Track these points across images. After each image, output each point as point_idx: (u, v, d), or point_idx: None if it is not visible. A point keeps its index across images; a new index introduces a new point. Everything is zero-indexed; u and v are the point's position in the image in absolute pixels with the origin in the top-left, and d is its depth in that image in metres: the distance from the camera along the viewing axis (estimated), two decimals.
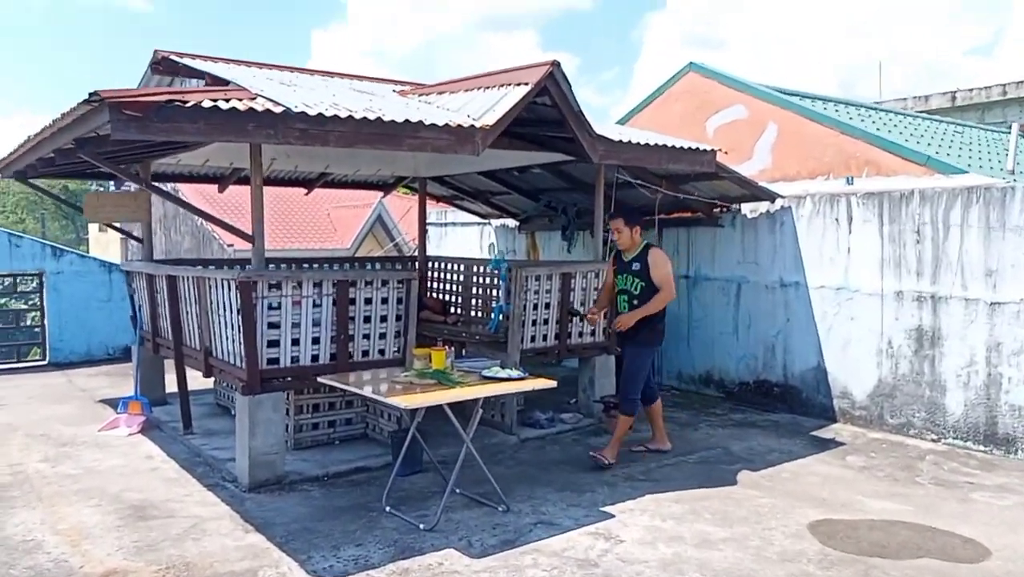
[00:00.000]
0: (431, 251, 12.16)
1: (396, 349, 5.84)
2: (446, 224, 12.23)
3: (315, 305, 5.40)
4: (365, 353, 5.68)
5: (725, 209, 8.00)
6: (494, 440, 6.30)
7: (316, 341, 5.44)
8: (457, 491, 4.96)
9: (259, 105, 4.23)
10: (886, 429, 6.71)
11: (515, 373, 4.78)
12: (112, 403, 7.71)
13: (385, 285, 5.70)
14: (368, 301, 5.63)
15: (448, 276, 9.17)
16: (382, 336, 5.75)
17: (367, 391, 4.41)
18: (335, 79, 7.10)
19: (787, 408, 7.50)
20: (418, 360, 5.11)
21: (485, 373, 4.77)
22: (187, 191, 23.21)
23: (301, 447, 6.03)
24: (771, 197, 7.36)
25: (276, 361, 5.29)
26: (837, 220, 7.02)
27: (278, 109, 4.27)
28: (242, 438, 5.23)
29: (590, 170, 7.89)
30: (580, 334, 6.93)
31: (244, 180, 9.21)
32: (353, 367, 5.57)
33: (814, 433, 6.78)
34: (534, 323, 6.59)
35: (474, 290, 8.82)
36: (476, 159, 7.90)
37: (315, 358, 5.45)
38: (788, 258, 7.44)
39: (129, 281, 7.70)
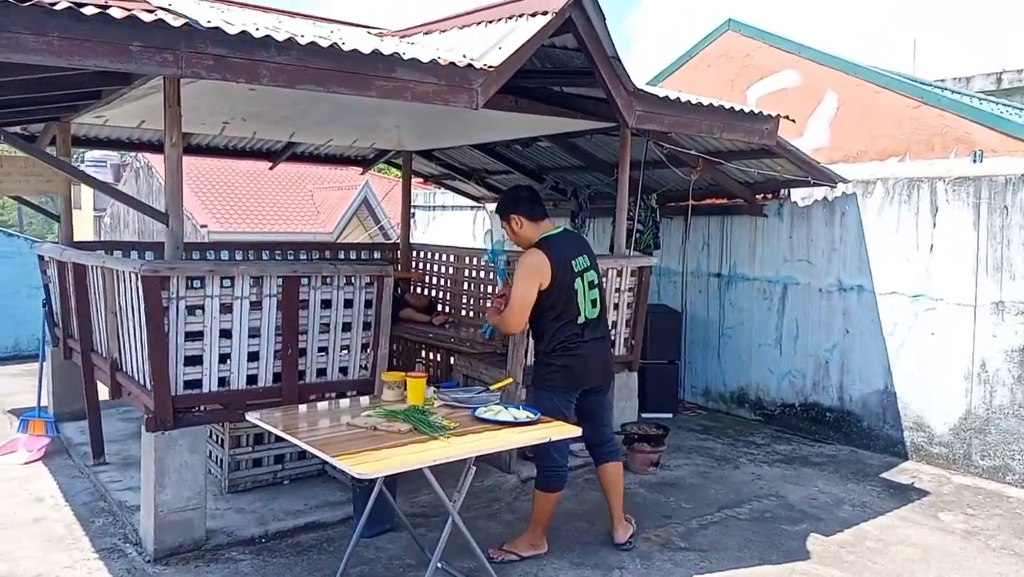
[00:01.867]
0: (417, 238, 10.78)
1: (363, 366, 4.46)
2: (434, 207, 10.82)
3: (253, 309, 4.01)
4: (321, 372, 4.30)
5: (771, 195, 6.64)
6: (487, 481, 4.94)
7: (254, 357, 4.05)
8: (440, 566, 3.59)
9: (148, 16, 2.82)
10: (975, 472, 5.40)
11: (522, 414, 3.40)
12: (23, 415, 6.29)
13: (350, 283, 4.31)
14: (326, 304, 4.24)
15: (435, 268, 7.79)
16: (344, 349, 4.37)
17: (307, 442, 3.02)
18: (296, 19, 5.68)
19: (842, 439, 6.17)
20: (389, 389, 3.73)
21: (480, 414, 3.40)
22: (159, 164, 21.70)
23: (238, 490, 4.65)
24: (834, 182, 5.99)
25: (197, 384, 3.90)
26: (917, 210, 5.67)
27: (178, 22, 2.85)
28: (147, 490, 3.84)
29: (609, 145, 6.52)
30: None
31: (208, 151, 7.80)
32: (304, 392, 4.19)
33: (885, 476, 5.45)
34: None
35: (466, 286, 7.45)
36: (471, 127, 6.52)
37: (252, 380, 4.07)
38: (850, 256, 6.09)
39: (43, 267, 6.28)
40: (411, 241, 8.35)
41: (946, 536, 4.40)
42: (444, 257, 7.68)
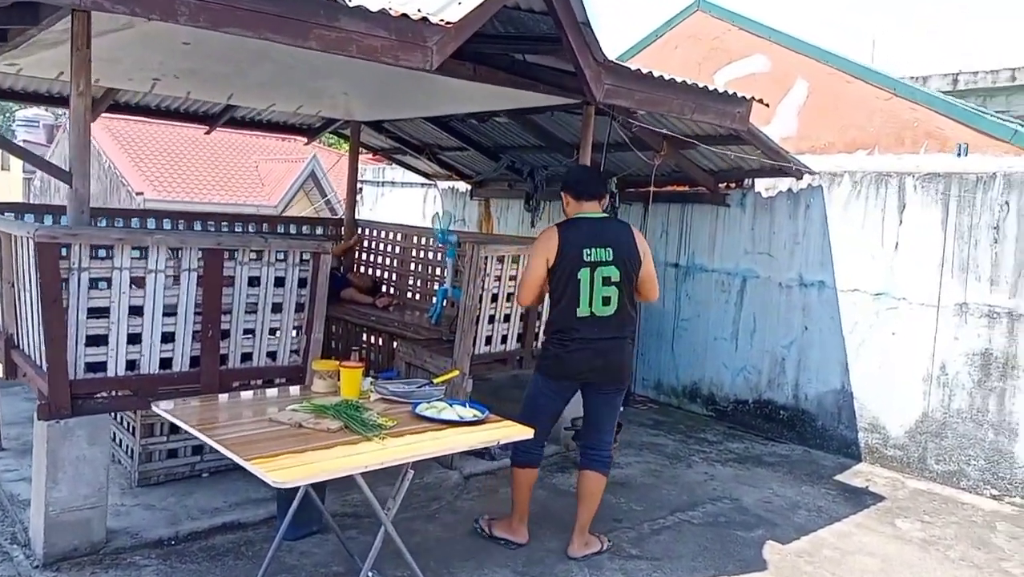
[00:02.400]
0: (364, 215, 10.32)
1: (294, 350, 4.05)
2: (383, 183, 10.36)
3: (170, 284, 3.57)
4: (246, 357, 3.88)
5: (735, 184, 6.40)
6: (427, 478, 4.59)
7: (169, 338, 3.61)
8: (371, 575, 3.23)
9: None
10: (929, 477, 5.27)
11: (468, 412, 3.06)
12: None
13: (283, 260, 3.89)
14: (255, 282, 3.82)
15: (381, 247, 7.37)
16: (273, 332, 3.95)
17: (221, 441, 2.62)
18: None
19: (796, 438, 6.00)
20: (320, 379, 3.34)
21: (421, 411, 3.04)
22: (96, 129, 20.62)
23: (150, 484, 4.20)
24: (801, 173, 5.77)
25: (101, 367, 3.45)
26: (884, 206, 5.49)
27: None
28: (38, 486, 3.39)
29: (570, 124, 6.18)
30: None
31: (136, 109, 7.20)
32: (226, 378, 3.77)
33: (839, 478, 5.29)
34: (492, 319, 4.88)
35: (413, 267, 7.06)
36: (424, 97, 6.10)
37: (166, 364, 3.63)
38: (812, 251, 5.89)
39: None
40: (357, 217, 7.91)
41: (904, 545, 4.23)
42: (391, 235, 7.27)
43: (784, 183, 6.06)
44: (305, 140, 8.33)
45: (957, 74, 12.43)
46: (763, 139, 5.25)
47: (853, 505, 4.77)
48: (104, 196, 20.12)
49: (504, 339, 4.98)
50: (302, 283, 3.97)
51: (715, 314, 6.53)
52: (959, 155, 5.28)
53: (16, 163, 26.96)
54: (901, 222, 5.41)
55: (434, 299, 6.12)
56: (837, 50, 6.18)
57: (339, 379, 3.26)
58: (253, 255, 3.76)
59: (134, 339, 3.52)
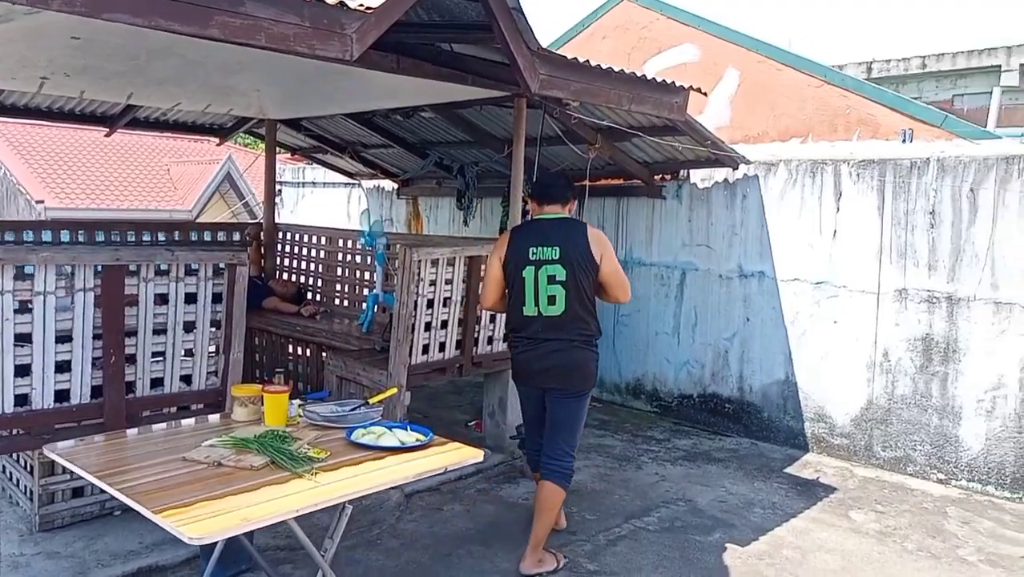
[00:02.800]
0: (285, 217, 9.84)
1: (212, 372, 3.67)
2: (304, 184, 9.89)
3: (64, 306, 3.15)
4: (157, 383, 3.49)
5: (670, 176, 6.27)
6: (366, 500, 4.25)
7: (65, 368, 3.20)
8: None
9: None
10: (876, 464, 5.24)
11: (410, 437, 2.76)
12: None
13: (193, 273, 3.50)
14: (162, 299, 3.43)
15: (304, 251, 6.97)
16: (188, 354, 3.57)
17: (125, 490, 2.26)
18: None
19: (742, 431, 5.92)
20: (241, 406, 3.00)
21: (358, 438, 2.73)
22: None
23: (53, 528, 3.75)
24: (737, 163, 5.67)
25: None
26: (821, 194, 5.44)
27: None
28: None
29: (500, 118, 5.93)
30: (490, 340, 4.99)
31: (25, 112, 6.61)
32: (135, 408, 3.37)
33: (789, 470, 5.21)
34: (428, 327, 4.58)
35: (340, 272, 6.69)
36: (343, 93, 5.74)
37: (63, 396, 3.21)
38: (751, 241, 5.81)
39: None
40: (276, 221, 7.47)
41: (862, 539, 4.14)
42: (314, 239, 6.87)
43: (720, 173, 5.95)
44: (217, 141, 7.82)
45: (871, 62, 12.76)
46: (699, 129, 5.11)
47: (806, 499, 4.68)
48: (1, 205, 18.86)
49: (442, 347, 4.69)
50: (217, 298, 3.59)
51: (655, 308, 6.39)
52: (904, 141, 5.24)
53: None
54: (838, 209, 5.37)
55: (364, 305, 5.80)
56: (766, 39, 6.12)
57: (262, 405, 2.92)
58: (158, 270, 3.37)
59: (23, 371, 3.09)
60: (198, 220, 15.18)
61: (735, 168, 5.80)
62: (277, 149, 8.05)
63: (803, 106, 5.79)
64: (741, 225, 5.85)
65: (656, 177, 6.28)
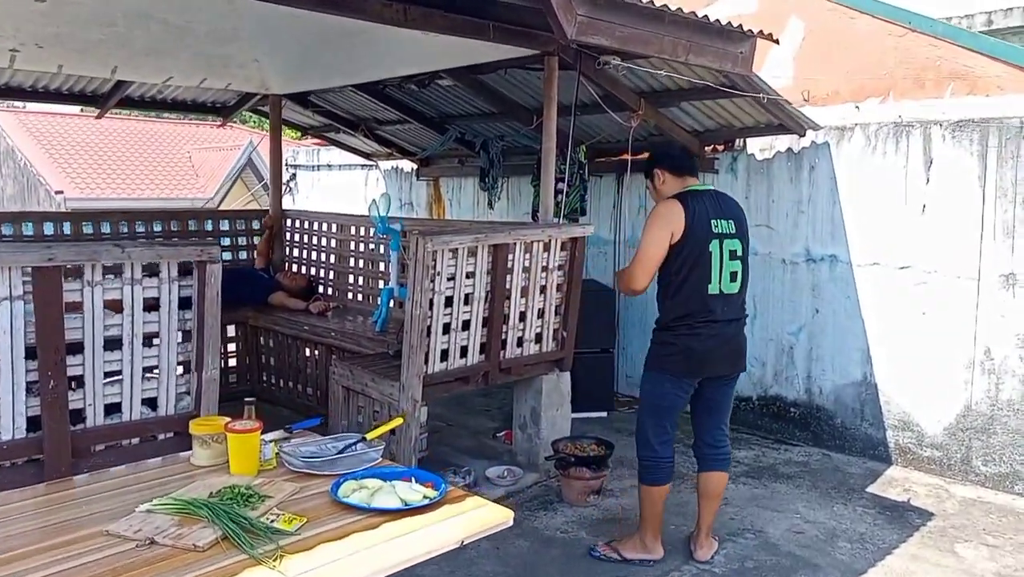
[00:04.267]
0: (300, 203, 9.22)
1: (183, 393, 3.02)
2: (319, 167, 9.24)
3: None
4: (113, 410, 2.84)
5: (723, 146, 5.48)
6: None
7: None
8: None
9: None
10: (976, 481, 4.46)
11: (416, 492, 2.07)
12: None
13: (154, 274, 2.84)
14: (112, 307, 2.77)
15: (315, 240, 6.32)
16: (150, 373, 2.92)
17: None
18: None
19: (811, 439, 5.16)
20: (203, 446, 2.33)
21: (345, 496, 2.05)
22: (10, 125, 18.98)
23: None
24: (803, 129, 4.87)
25: None
26: (907, 162, 4.62)
27: None
28: None
29: (527, 84, 5.20)
30: (520, 341, 4.28)
31: (10, 92, 6.04)
32: (84, 441, 2.73)
33: (873, 489, 4.44)
34: (447, 328, 3.89)
35: (353, 263, 6.03)
36: (349, 60, 5.04)
37: None
38: (820, 220, 5.02)
39: None
40: (286, 207, 6.84)
41: None
42: (325, 227, 6.21)
43: (783, 142, 5.16)
44: (220, 121, 7.19)
45: (970, 16, 11.55)
46: (765, 89, 4.32)
47: (899, 528, 3.92)
48: (22, 197, 18.61)
49: (464, 351, 4.00)
50: (185, 303, 2.93)
51: None
52: None
53: None
54: (928, 180, 4.55)
55: (378, 303, 5.14)
56: None
57: (226, 448, 2.25)
58: (108, 271, 2.71)
59: None
60: (213, 208, 14.65)
61: (801, 135, 5.00)
62: (286, 128, 7.44)
63: (883, 59, 4.96)
64: (808, 201, 5.06)
65: (708, 148, 5.49)
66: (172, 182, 19.60)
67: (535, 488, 4.35)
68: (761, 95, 4.21)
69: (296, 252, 6.41)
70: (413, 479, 2.15)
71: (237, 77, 5.90)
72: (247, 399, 2.31)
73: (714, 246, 3.20)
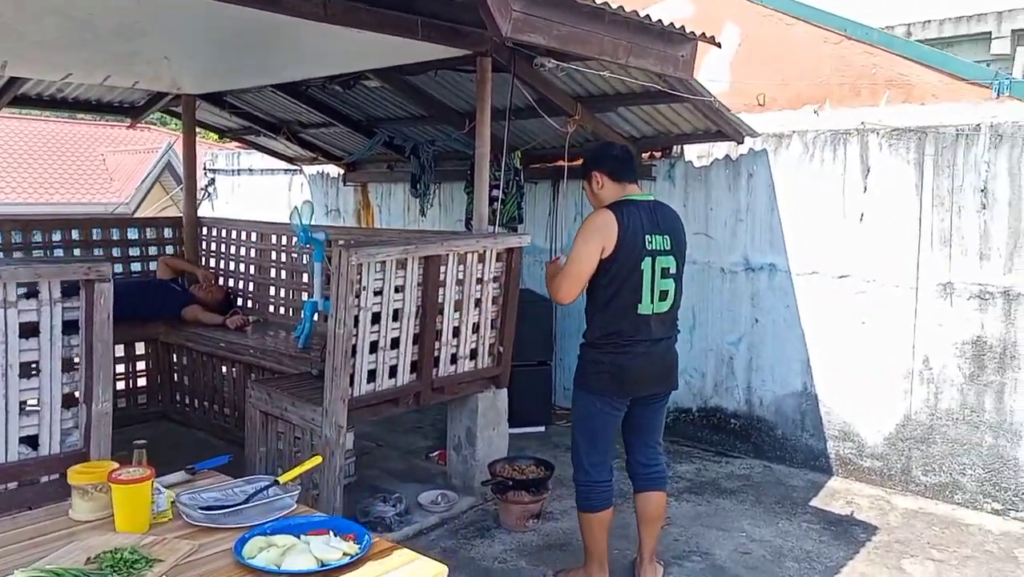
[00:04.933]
0: (220, 209, 8.74)
1: (70, 428, 2.66)
2: (239, 171, 8.78)
3: None
4: None
5: (661, 153, 5.35)
6: None
7: None
8: None
9: None
10: (917, 491, 4.42)
11: (335, 550, 1.79)
12: None
13: (32, 295, 2.48)
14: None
15: (232, 250, 5.93)
16: (29, 409, 2.55)
17: None
18: None
19: (752, 450, 5.06)
20: (84, 498, 2.00)
21: (250, 558, 1.76)
22: None
23: None
24: (742, 136, 4.78)
25: None
26: (844, 170, 4.57)
27: None
28: None
29: (459, 86, 4.97)
30: (454, 358, 4.03)
31: None
32: None
33: (816, 503, 4.35)
34: (374, 347, 3.60)
35: (274, 274, 5.67)
36: (267, 59, 4.70)
37: None
38: (759, 228, 4.93)
39: None
40: (202, 215, 6.42)
41: None
42: (243, 235, 5.83)
43: (720, 149, 5.05)
44: (128, 122, 6.70)
45: (910, 25, 11.84)
46: (703, 93, 4.19)
47: (845, 544, 3.83)
48: None
49: (393, 371, 3.72)
50: (71, 327, 2.57)
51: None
52: (999, 89, 4.18)
53: None
54: (865, 189, 4.50)
55: (301, 317, 4.81)
56: None
57: (110, 502, 1.93)
58: None
59: None
60: (127, 214, 13.90)
61: (739, 142, 4.91)
62: (207, 132, 7.01)
63: (819, 66, 4.91)
64: (747, 210, 4.97)
65: (645, 155, 5.36)
66: (85, 186, 18.59)
67: (471, 513, 4.10)
68: (710, 98, 4.06)
69: (212, 262, 6.00)
70: (331, 532, 1.87)
71: (145, 75, 5.47)
72: (136, 441, 1.99)
73: (646, 264, 3.02)
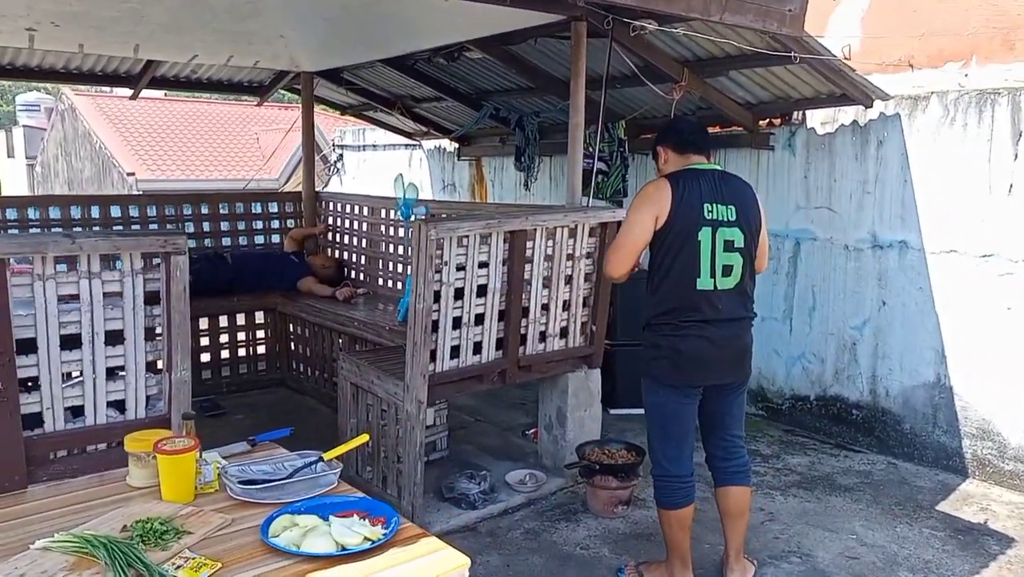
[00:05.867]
0: (348, 185, 9.04)
1: (154, 395, 2.79)
2: (364, 147, 9.02)
3: None
4: (75, 414, 2.64)
5: (780, 120, 4.95)
6: None
7: None
8: None
9: None
10: None
11: (357, 534, 1.74)
12: None
13: (112, 266, 2.61)
14: (68, 300, 2.55)
15: (347, 223, 6.08)
16: (115, 374, 2.69)
17: None
18: None
19: (875, 445, 4.63)
20: (139, 465, 2.08)
21: (274, 537, 1.75)
22: (87, 108, 19.55)
23: None
24: (871, 99, 4.31)
25: None
26: (991, 136, 4.02)
27: None
28: None
29: (561, 53, 4.78)
30: (543, 336, 3.92)
31: (23, 73, 6.00)
32: (39, 448, 2.53)
33: (943, 507, 3.92)
34: (457, 323, 3.56)
35: (384, 248, 5.77)
36: (374, 32, 4.74)
37: None
38: (889, 202, 4.46)
39: None
40: (320, 190, 6.63)
41: None
42: (357, 209, 5.96)
43: (847, 114, 4.60)
44: (256, 100, 7.01)
45: None
46: (822, 53, 3.79)
47: (973, 555, 3.41)
48: (97, 179, 19.22)
49: (477, 348, 3.66)
50: (152, 298, 2.68)
51: (762, 288, 5.06)
52: None
53: (21, 150, 26.29)
54: (1016, 156, 3.95)
55: (404, 291, 4.87)
56: None
57: (156, 471, 1.98)
58: (60, 261, 2.48)
59: None
60: (289, 189, 14.71)
61: (868, 106, 4.43)
62: (327, 108, 7.22)
63: (966, 18, 4.33)
64: (875, 181, 4.50)
65: (762, 122, 4.97)
66: (241, 164, 19.89)
67: (559, 495, 4.00)
68: (828, 57, 3.67)
69: (329, 237, 6.19)
70: (357, 514, 1.83)
71: (264, 55, 5.68)
72: (185, 413, 2.03)
73: (704, 234, 2.79)
